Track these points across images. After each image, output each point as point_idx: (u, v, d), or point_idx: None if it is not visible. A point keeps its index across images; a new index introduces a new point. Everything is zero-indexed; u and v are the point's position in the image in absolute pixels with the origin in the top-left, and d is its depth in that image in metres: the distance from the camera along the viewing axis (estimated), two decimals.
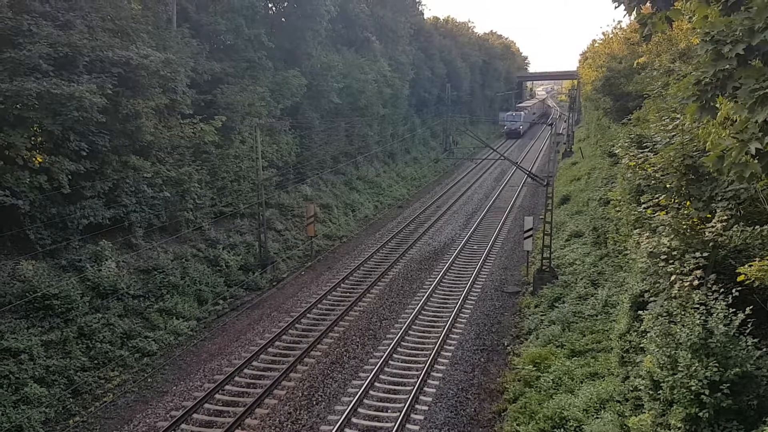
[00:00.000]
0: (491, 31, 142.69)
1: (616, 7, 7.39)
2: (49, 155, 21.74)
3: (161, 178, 26.92)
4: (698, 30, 7.01)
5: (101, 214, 24.01)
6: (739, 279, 9.75)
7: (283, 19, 43.09)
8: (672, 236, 12.19)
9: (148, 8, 28.74)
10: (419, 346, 22.95)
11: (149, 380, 20.90)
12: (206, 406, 18.81)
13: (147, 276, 25.48)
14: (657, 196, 13.93)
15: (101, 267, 23.26)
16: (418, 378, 19.88)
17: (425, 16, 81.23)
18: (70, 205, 22.80)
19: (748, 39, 6.53)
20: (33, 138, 21.57)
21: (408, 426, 17.56)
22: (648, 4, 7.29)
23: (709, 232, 11.69)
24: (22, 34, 20.73)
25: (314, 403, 19.02)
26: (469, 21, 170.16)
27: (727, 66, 6.67)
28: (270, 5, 42.01)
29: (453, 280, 30.68)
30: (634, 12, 7.30)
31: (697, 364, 9.51)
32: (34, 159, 21.25)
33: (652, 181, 14.35)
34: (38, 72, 20.55)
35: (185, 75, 28.36)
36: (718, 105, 7.24)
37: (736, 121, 6.97)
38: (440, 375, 20.58)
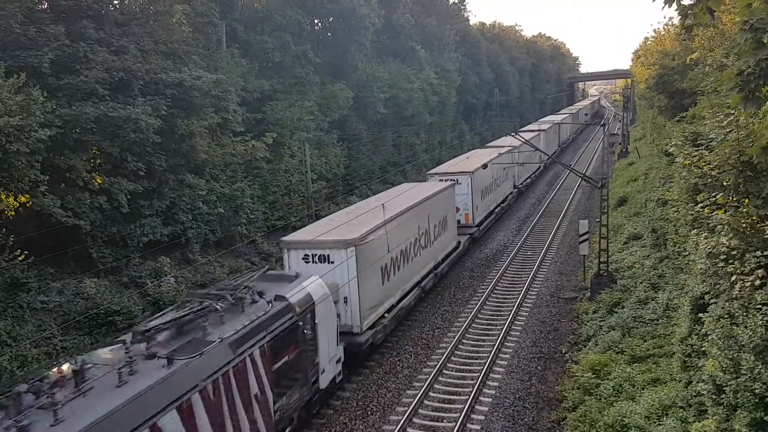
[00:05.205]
0: (540, 33, 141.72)
1: (654, 0, 7.18)
2: (108, 176, 22.64)
3: (215, 195, 27.65)
4: (738, 19, 6.75)
5: (160, 232, 24.79)
6: None
7: (329, 34, 43.83)
8: (731, 235, 11.71)
9: (199, 30, 29.65)
10: (473, 354, 22.69)
11: None
12: None
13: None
14: (714, 194, 13.41)
15: (161, 282, 23.99)
16: (473, 387, 19.64)
17: (471, 23, 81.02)
18: (129, 224, 23.62)
19: None
20: (92, 160, 22.53)
21: None
22: None
23: None
24: (78, 61, 21.72)
25: (369, 413, 19.02)
26: (516, 24, 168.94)
27: None
28: (316, 21, 42.78)
29: (506, 287, 30.23)
30: (674, 3, 7.08)
31: (760, 367, 9.11)
32: (93, 180, 22.18)
33: (709, 180, 13.83)
34: (95, 96, 21.46)
35: (236, 94, 29.12)
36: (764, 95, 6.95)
37: None
38: (496, 384, 20.27)
